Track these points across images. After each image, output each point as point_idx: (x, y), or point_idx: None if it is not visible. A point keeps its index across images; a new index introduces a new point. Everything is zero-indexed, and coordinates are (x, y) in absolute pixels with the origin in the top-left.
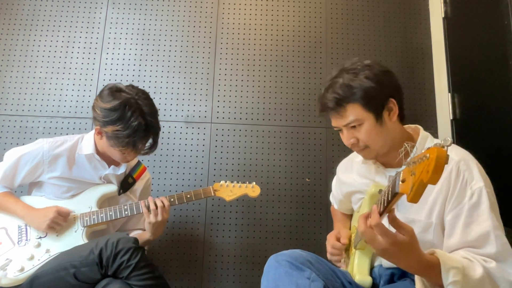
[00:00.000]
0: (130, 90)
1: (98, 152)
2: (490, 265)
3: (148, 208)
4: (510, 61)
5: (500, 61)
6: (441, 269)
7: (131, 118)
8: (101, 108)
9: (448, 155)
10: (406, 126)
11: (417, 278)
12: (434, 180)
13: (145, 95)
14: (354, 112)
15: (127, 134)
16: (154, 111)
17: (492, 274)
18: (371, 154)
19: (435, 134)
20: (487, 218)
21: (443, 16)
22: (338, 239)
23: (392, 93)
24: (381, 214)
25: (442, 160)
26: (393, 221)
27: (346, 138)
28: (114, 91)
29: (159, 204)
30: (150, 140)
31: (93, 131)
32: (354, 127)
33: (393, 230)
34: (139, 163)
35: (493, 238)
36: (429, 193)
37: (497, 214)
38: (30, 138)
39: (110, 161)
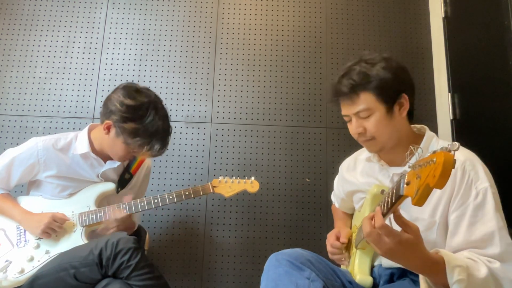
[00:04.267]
0: (149, 92)
1: (94, 149)
2: (494, 266)
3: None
4: (510, 61)
5: (500, 61)
6: (446, 267)
7: (154, 119)
8: (123, 103)
9: (455, 160)
10: (412, 126)
11: (421, 278)
12: (440, 184)
13: (161, 100)
14: (366, 100)
15: (148, 135)
16: (168, 117)
17: (496, 274)
18: (376, 147)
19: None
20: (491, 218)
21: (443, 16)
22: (338, 238)
23: (405, 88)
24: (384, 215)
25: (449, 165)
26: (398, 219)
27: (354, 127)
28: (135, 90)
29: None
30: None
31: (86, 129)
32: (363, 116)
33: (398, 229)
34: (134, 157)
35: (497, 239)
36: (433, 192)
37: (502, 214)
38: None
39: (106, 157)
